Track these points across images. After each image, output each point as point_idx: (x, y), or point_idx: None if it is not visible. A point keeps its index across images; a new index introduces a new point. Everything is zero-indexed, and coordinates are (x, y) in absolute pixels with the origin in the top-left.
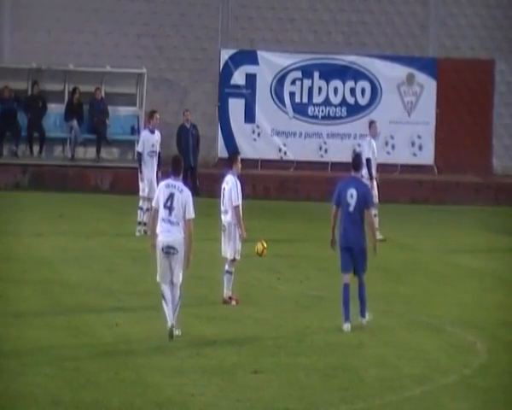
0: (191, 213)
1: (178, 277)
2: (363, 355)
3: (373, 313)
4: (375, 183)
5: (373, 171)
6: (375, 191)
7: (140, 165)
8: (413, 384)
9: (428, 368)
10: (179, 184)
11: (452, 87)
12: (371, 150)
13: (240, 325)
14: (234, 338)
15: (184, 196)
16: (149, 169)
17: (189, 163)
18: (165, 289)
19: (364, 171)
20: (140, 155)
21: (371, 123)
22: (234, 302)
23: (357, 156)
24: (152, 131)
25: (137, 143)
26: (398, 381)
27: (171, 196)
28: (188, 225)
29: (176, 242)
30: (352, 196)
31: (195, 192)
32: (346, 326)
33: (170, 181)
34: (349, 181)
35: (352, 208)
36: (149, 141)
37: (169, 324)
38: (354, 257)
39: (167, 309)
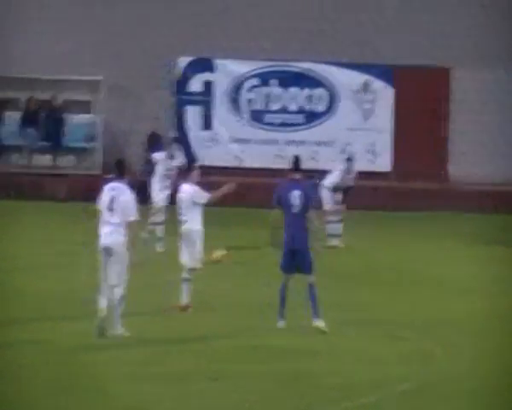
0: (134, 215)
1: (118, 279)
2: (319, 362)
3: (330, 320)
4: (338, 194)
5: (338, 194)
6: (339, 199)
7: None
8: (370, 392)
9: (386, 375)
10: (122, 185)
11: (409, 94)
12: (341, 179)
13: (197, 333)
14: (191, 346)
15: (126, 197)
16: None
17: None
18: (101, 299)
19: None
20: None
21: (348, 160)
22: (190, 309)
23: (296, 158)
24: (171, 158)
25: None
26: (355, 388)
27: (112, 198)
28: (131, 226)
29: (114, 243)
30: (296, 197)
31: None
32: (281, 324)
33: (113, 184)
34: (292, 183)
35: (296, 210)
36: (167, 165)
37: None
38: (300, 259)
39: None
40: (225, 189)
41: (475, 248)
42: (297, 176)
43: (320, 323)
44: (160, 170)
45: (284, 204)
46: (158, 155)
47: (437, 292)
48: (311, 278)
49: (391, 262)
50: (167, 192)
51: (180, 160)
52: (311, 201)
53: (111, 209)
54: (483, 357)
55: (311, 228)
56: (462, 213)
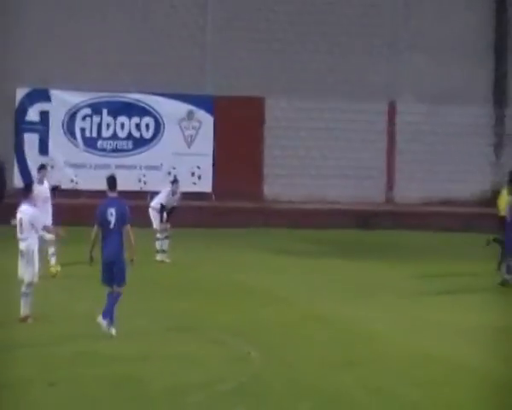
0: None
1: None
2: (149, 366)
3: (156, 327)
4: (164, 214)
5: (164, 214)
6: (164, 218)
7: None
8: (196, 392)
9: (209, 376)
10: None
11: (228, 122)
12: (168, 200)
13: (37, 341)
14: (30, 353)
15: None
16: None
17: (3, 194)
18: None
19: (157, 206)
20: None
21: (174, 182)
22: (30, 319)
23: (111, 177)
24: (41, 182)
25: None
26: (182, 389)
27: None
28: None
29: None
30: (111, 214)
31: None
32: (112, 331)
33: None
34: (109, 202)
35: (111, 226)
36: (41, 191)
37: None
38: (114, 270)
39: None
40: (58, 231)
41: (287, 260)
42: (113, 194)
43: (101, 321)
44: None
45: (102, 221)
46: (36, 189)
47: (252, 300)
48: (120, 289)
49: (213, 274)
50: (49, 217)
51: (47, 183)
52: (126, 217)
53: None
54: (294, 359)
55: (127, 242)
56: (274, 228)
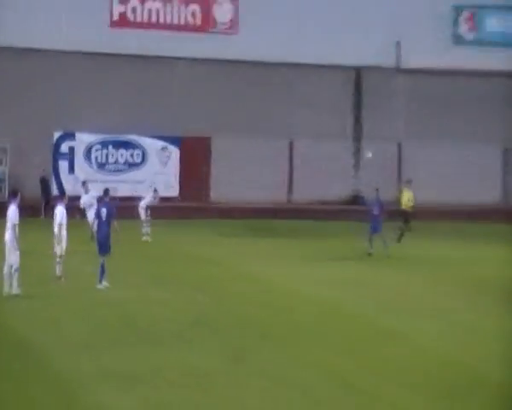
0: (15, 221)
1: (14, 259)
2: (136, 307)
3: (144, 281)
4: (148, 211)
5: (148, 211)
6: (148, 213)
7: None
8: (168, 322)
9: (175, 313)
10: (12, 205)
11: (189, 152)
12: (150, 202)
13: (67, 291)
14: (63, 299)
15: (12, 211)
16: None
17: (49, 199)
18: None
19: (144, 206)
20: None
21: (155, 191)
22: (63, 279)
23: (106, 189)
24: (87, 192)
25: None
26: (159, 320)
27: (7, 213)
28: (14, 228)
29: (8, 239)
30: (103, 212)
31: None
32: (106, 284)
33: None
34: (103, 204)
35: (103, 219)
36: (87, 198)
37: None
38: (103, 247)
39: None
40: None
41: (223, 239)
42: (106, 199)
43: (99, 286)
44: (86, 202)
45: (99, 216)
46: (83, 197)
47: (199, 264)
48: (104, 258)
49: (176, 248)
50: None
51: (93, 191)
52: (112, 215)
53: (6, 220)
54: (229, 301)
55: (114, 230)
56: (219, 219)
